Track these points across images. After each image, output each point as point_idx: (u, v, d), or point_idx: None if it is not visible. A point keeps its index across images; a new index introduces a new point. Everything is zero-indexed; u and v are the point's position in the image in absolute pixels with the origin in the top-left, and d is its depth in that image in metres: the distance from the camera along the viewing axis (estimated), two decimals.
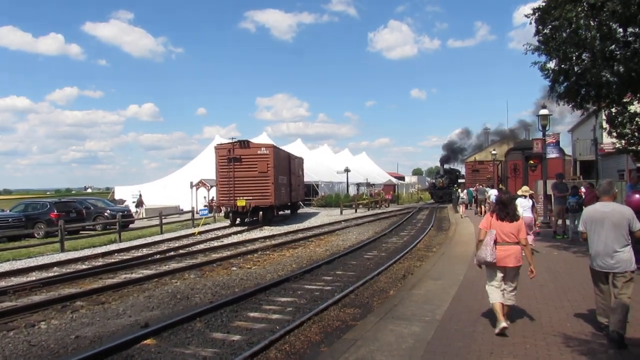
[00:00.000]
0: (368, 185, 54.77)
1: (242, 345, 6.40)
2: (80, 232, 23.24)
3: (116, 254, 15.94)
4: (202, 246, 17.41)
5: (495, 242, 5.76)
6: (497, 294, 5.81)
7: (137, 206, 36.42)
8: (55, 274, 12.42)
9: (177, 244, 18.35)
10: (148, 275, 11.56)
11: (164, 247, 17.53)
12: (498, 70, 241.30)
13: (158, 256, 15.05)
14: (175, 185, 41.08)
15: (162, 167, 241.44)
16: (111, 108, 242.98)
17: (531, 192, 13.58)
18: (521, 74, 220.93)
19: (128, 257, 15.22)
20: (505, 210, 5.90)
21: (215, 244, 18.11)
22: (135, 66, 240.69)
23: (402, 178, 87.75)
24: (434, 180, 57.90)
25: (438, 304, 7.28)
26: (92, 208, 26.30)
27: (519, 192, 13.63)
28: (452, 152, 60.70)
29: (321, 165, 55.13)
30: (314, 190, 47.89)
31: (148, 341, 6.64)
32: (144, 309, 8.64)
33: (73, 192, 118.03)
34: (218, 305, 8.23)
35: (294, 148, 52.50)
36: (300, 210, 35.90)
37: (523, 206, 12.50)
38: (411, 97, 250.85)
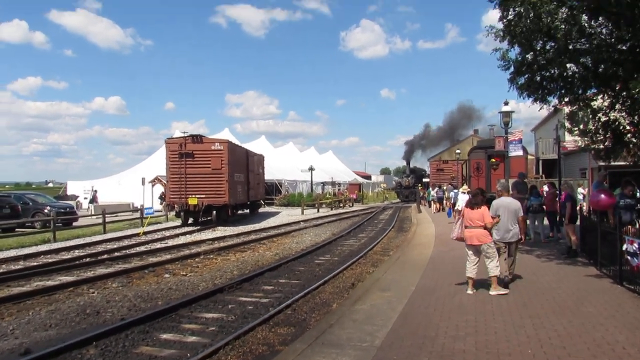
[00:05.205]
0: (333, 184, 53.74)
1: None
2: (16, 229, 21.40)
3: (42, 256, 14.40)
4: (142, 248, 15.97)
5: (466, 226, 7.79)
6: (470, 269, 7.76)
7: (90, 202, 34.61)
8: None
9: (115, 245, 16.87)
10: (64, 283, 10.16)
11: (99, 248, 16.03)
12: (467, 72, 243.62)
13: (87, 259, 13.57)
14: (132, 181, 39.11)
15: (128, 163, 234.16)
16: (76, 100, 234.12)
17: (469, 189, 17.61)
18: (489, 77, 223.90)
19: (54, 259, 13.72)
20: (472, 200, 7.92)
21: (158, 245, 16.69)
22: (101, 57, 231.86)
23: (368, 177, 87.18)
24: (400, 180, 57.33)
25: (381, 324, 6.20)
26: (30, 204, 24.30)
27: (460, 190, 18.38)
28: (413, 146, 59.64)
29: (286, 163, 53.83)
30: (277, 188, 46.58)
31: None
32: (39, 327, 7.29)
33: (33, 186, 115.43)
34: (125, 325, 6.95)
35: (258, 145, 51.13)
36: (261, 210, 34.56)
37: (463, 200, 15.90)
38: (381, 97, 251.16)
